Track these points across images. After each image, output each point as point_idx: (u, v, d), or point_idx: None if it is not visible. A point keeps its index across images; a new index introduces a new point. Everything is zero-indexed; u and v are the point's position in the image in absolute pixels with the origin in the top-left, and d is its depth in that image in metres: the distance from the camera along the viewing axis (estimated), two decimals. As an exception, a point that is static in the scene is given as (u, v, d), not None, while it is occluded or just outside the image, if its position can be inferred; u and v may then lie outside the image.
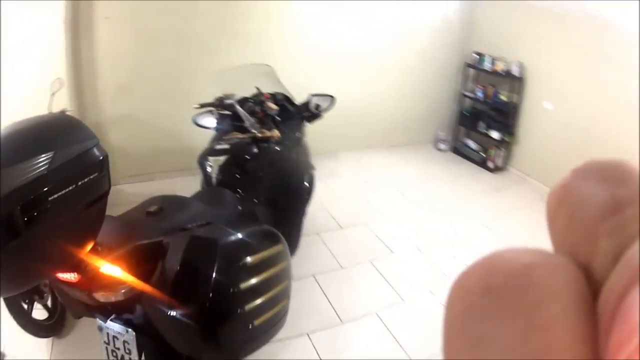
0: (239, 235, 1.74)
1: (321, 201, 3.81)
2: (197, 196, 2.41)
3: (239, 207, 2.36)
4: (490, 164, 4.77)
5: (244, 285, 1.63)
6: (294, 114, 3.01)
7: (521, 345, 0.16)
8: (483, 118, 4.84)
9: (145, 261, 1.61)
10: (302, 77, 4.20)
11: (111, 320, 1.65)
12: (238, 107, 2.57)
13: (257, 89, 2.97)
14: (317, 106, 3.05)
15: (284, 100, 3.03)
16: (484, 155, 4.86)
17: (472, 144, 5.04)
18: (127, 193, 4.26)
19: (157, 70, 4.13)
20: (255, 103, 2.81)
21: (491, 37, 4.85)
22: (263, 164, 2.62)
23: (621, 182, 0.18)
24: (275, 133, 2.55)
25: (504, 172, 4.83)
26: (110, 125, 4.27)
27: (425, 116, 5.16)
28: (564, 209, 0.19)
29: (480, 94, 4.83)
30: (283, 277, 1.85)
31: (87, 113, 4.18)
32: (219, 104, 2.66)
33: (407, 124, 5.12)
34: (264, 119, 2.70)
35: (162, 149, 4.41)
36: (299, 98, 3.16)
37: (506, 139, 4.66)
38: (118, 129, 4.29)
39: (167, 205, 1.93)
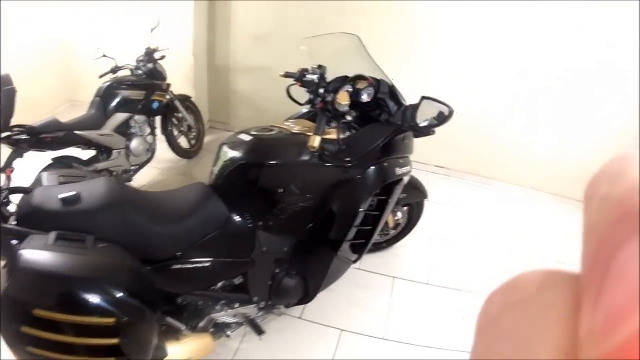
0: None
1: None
2: (168, 194, 1.89)
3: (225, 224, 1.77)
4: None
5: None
6: (386, 119, 2.16)
7: None
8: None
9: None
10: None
11: None
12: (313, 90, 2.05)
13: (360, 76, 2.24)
14: (429, 124, 2.08)
15: (385, 95, 2.16)
16: None
17: None
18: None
19: (296, 26, 3.76)
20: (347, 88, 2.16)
21: None
22: (285, 177, 1.85)
23: None
24: (315, 140, 1.73)
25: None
26: (239, 73, 4.13)
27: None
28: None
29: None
30: None
31: (216, 57, 4.09)
32: (299, 78, 2.14)
33: (583, 175, 3.85)
34: (334, 116, 2.01)
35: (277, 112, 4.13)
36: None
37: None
38: (246, 78, 4.15)
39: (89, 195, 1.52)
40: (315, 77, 2.08)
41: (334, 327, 2.31)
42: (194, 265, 1.69)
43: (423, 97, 2.10)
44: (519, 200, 3.87)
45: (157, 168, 3.70)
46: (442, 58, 3.65)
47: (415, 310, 2.51)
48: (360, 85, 2.14)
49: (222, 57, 4.09)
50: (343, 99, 1.94)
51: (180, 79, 3.87)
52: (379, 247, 2.79)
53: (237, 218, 1.77)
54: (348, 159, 1.93)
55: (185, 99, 3.66)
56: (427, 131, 2.09)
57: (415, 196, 2.62)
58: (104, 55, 3.17)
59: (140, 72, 3.19)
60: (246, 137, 1.84)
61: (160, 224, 1.62)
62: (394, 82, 2.26)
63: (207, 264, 1.72)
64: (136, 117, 3.14)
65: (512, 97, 3.69)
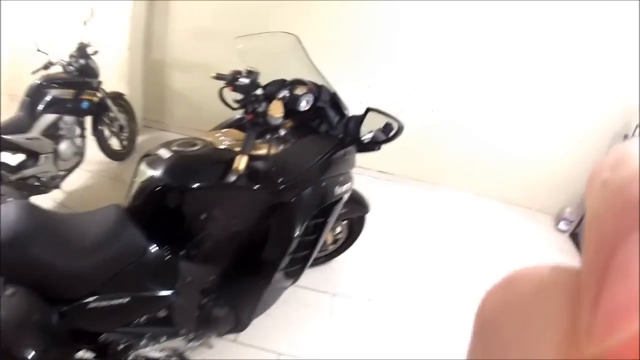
0: None
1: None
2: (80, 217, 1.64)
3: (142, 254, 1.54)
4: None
5: None
6: (326, 130, 1.98)
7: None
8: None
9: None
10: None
11: None
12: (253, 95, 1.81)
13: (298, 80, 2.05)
14: (374, 136, 1.90)
15: (326, 104, 1.98)
16: None
17: None
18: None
19: (238, 22, 3.52)
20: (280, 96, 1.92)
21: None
22: (208, 202, 1.63)
23: None
24: (240, 162, 1.53)
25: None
26: (176, 69, 3.87)
27: (559, 183, 3.84)
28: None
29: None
30: None
31: (153, 51, 3.81)
32: (231, 81, 1.91)
33: (535, 183, 3.87)
34: (266, 129, 1.78)
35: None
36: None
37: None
38: (182, 75, 3.88)
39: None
40: (247, 81, 1.87)
41: (271, 351, 2.15)
42: (112, 302, 1.48)
43: (369, 109, 1.94)
44: (465, 207, 3.82)
45: (88, 171, 3.42)
46: (390, 58, 3.52)
47: (357, 329, 2.37)
48: (299, 91, 1.94)
49: (160, 51, 3.83)
50: (276, 111, 1.70)
51: (114, 74, 3.61)
52: (317, 261, 2.61)
53: (156, 247, 1.55)
54: (280, 180, 1.69)
55: (117, 97, 3.39)
56: (371, 147, 1.89)
57: (356, 210, 2.43)
58: (38, 50, 2.90)
59: (72, 68, 2.92)
60: (166, 154, 1.60)
61: (70, 259, 1.41)
62: (337, 89, 2.08)
63: (127, 299, 1.52)
64: (65, 118, 2.87)
65: (459, 100, 3.63)
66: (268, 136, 1.79)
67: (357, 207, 2.41)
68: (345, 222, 2.52)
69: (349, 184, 2.03)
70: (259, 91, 1.83)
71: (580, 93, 3.47)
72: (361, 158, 2.11)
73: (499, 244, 3.43)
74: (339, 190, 1.93)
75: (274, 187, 1.69)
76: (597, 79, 3.39)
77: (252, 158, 1.60)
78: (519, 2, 3.19)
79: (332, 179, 1.90)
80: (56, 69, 2.93)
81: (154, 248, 1.54)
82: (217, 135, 1.84)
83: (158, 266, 1.58)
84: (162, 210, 1.56)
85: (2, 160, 2.59)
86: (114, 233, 1.52)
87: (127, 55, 3.61)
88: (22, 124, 2.65)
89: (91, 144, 3.28)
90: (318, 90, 1.95)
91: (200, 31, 3.65)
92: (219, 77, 2.00)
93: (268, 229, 1.74)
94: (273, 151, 1.73)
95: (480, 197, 3.92)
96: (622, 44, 3.25)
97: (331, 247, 2.63)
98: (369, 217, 2.54)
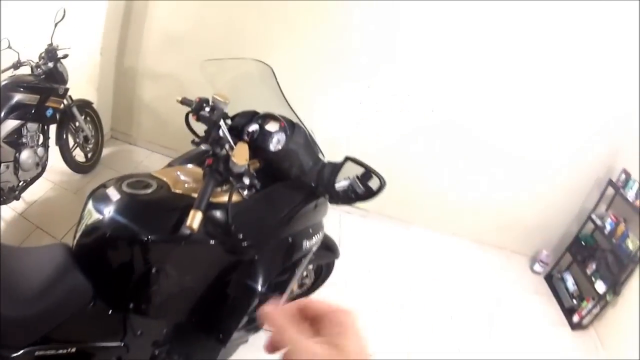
0: None
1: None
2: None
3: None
4: (575, 318, 3.40)
5: None
6: (297, 175, 1.77)
7: None
8: (597, 258, 3.46)
9: None
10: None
11: None
12: (220, 127, 1.62)
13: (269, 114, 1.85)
14: (350, 186, 1.72)
15: (300, 147, 1.78)
16: (575, 304, 3.50)
17: (570, 282, 3.67)
18: (135, 161, 3.73)
19: (213, 32, 3.43)
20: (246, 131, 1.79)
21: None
22: (159, 256, 1.42)
23: None
24: (194, 219, 1.27)
25: (585, 332, 3.39)
26: (147, 78, 3.72)
27: (535, 224, 3.79)
28: None
29: (608, 226, 3.42)
30: None
31: (125, 58, 3.66)
32: (195, 110, 1.72)
33: (510, 224, 3.82)
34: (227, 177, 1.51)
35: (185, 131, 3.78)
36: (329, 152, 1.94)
37: (608, 297, 3.26)
38: (153, 86, 3.73)
39: None
40: (209, 115, 1.68)
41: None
42: (57, 352, 1.37)
43: (347, 158, 1.72)
44: (439, 246, 3.77)
45: (51, 181, 3.28)
46: (390, 58, 3.36)
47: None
48: (271, 127, 1.78)
49: (132, 58, 3.67)
50: (240, 157, 1.44)
51: (83, 80, 3.45)
52: None
53: (103, 297, 1.41)
54: (241, 235, 1.49)
55: (84, 105, 3.26)
56: (346, 200, 1.71)
57: (325, 257, 2.27)
58: (9, 47, 2.73)
59: (40, 71, 2.76)
60: (114, 195, 1.42)
61: (10, 308, 1.27)
62: (312, 128, 1.92)
63: (72, 350, 1.40)
64: (28, 125, 2.71)
65: (434, 137, 3.53)
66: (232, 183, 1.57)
67: (327, 254, 2.25)
68: (311, 266, 2.39)
69: (319, 235, 1.88)
70: (222, 124, 1.64)
71: (563, 135, 3.42)
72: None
73: (473, 284, 3.42)
74: (307, 244, 1.77)
75: (234, 243, 1.50)
76: (581, 120, 3.35)
77: (211, 206, 1.43)
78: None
79: (301, 233, 1.74)
80: (25, 70, 2.77)
81: (101, 296, 1.41)
82: (175, 174, 1.62)
83: (106, 317, 1.45)
84: (108, 259, 1.42)
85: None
86: (59, 278, 1.37)
87: (99, 59, 3.45)
88: None
89: (56, 153, 3.14)
90: (291, 129, 1.77)
91: (173, 38, 3.51)
92: (184, 102, 1.83)
93: (227, 285, 1.59)
94: (235, 198, 1.52)
95: (455, 236, 3.87)
96: (606, 86, 3.21)
97: (296, 291, 2.51)
98: (340, 254, 2.42)
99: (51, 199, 3.14)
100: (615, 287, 3.24)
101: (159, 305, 1.50)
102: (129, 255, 1.40)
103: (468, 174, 3.60)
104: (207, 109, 1.71)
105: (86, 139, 3.33)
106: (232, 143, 1.59)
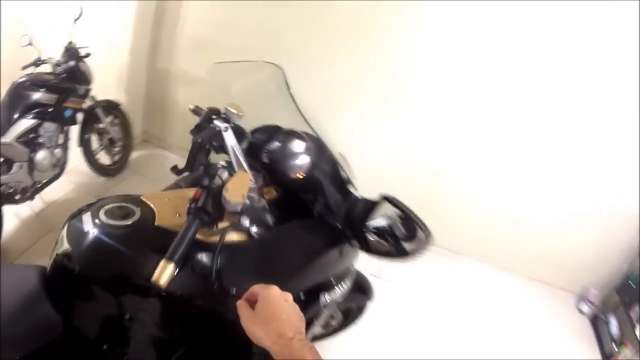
0: None
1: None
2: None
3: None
4: (613, 363, 2.96)
5: None
6: (321, 212, 1.45)
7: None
8: (644, 301, 3.01)
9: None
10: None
11: None
12: (228, 142, 1.37)
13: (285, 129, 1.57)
14: (389, 229, 1.36)
15: (325, 177, 1.45)
16: (616, 350, 3.04)
17: (614, 325, 3.19)
18: (164, 166, 3.60)
19: (246, 37, 3.22)
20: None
21: None
22: (133, 303, 1.17)
23: None
24: (161, 275, 1.03)
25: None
26: (180, 80, 3.59)
27: (584, 261, 3.33)
28: None
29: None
30: None
31: (158, 59, 3.55)
32: (206, 121, 1.47)
33: (560, 259, 3.35)
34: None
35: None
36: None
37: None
38: (187, 88, 3.60)
39: None
40: (222, 127, 1.41)
41: None
42: None
43: (384, 198, 1.36)
44: (484, 278, 3.37)
45: (73, 183, 3.20)
46: (417, 100, 3.06)
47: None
48: (295, 146, 1.46)
49: (165, 59, 3.55)
50: (235, 193, 1.13)
51: (112, 80, 3.36)
52: None
53: (73, 332, 1.19)
54: (233, 292, 1.13)
55: (111, 107, 3.15)
56: (380, 253, 1.34)
57: (356, 300, 1.91)
58: (30, 44, 2.65)
59: (61, 69, 2.65)
60: (87, 224, 1.17)
61: None
62: (343, 152, 1.59)
63: None
64: (46, 124, 2.61)
65: (489, 162, 3.13)
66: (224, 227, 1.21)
67: (358, 296, 1.87)
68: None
69: (345, 284, 1.52)
70: (229, 139, 1.39)
71: (616, 168, 2.95)
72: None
73: (516, 320, 3.03)
74: (327, 298, 1.42)
75: (221, 300, 1.14)
76: (633, 151, 2.88)
77: (199, 247, 1.14)
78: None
79: (318, 286, 1.40)
80: (45, 69, 2.68)
81: (72, 333, 1.19)
82: (167, 198, 1.32)
83: (73, 353, 1.25)
84: (77, 296, 1.19)
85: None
86: (26, 306, 1.17)
87: (129, 59, 3.36)
88: None
89: (80, 154, 3.08)
90: (318, 152, 1.43)
91: (210, 43, 3.35)
92: (196, 111, 1.59)
93: (219, 340, 1.27)
94: (236, 238, 1.20)
95: (501, 269, 3.46)
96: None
97: (319, 331, 2.15)
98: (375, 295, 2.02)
99: (70, 201, 3.06)
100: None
101: (136, 352, 1.25)
102: (98, 298, 1.17)
103: (519, 205, 3.19)
104: (216, 122, 1.44)
105: (112, 141, 3.23)
106: (229, 171, 1.29)
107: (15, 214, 2.81)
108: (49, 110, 2.59)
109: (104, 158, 3.29)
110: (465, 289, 3.19)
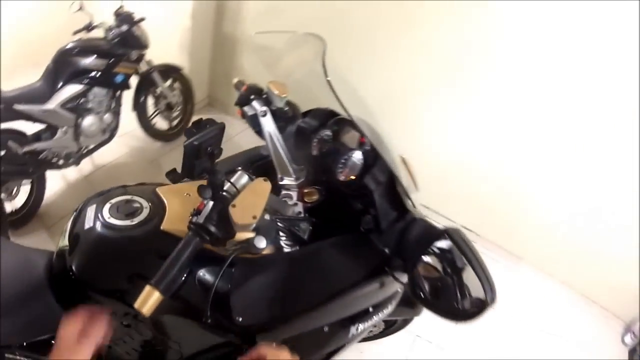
0: None
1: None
2: None
3: None
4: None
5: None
6: (367, 230, 1.14)
7: None
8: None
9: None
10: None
11: None
12: (266, 127, 1.21)
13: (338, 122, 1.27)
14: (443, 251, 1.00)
15: (378, 186, 1.12)
16: None
17: None
18: (227, 134, 3.43)
19: (318, 8, 2.90)
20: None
21: None
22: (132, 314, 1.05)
23: None
24: (146, 301, 0.82)
25: None
26: (246, 47, 3.37)
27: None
28: None
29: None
30: None
31: (224, 23, 3.35)
32: (242, 102, 1.31)
33: (618, 284, 2.83)
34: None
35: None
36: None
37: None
38: (253, 55, 3.37)
39: None
40: (259, 111, 1.23)
41: None
42: None
43: (447, 232, 0.99)
44: (543, 291, 2.93)
45: (127, 146, 3.13)
46: (490, 96, 2.62)
47: None
48: (348, 139, 1.21)
49: (231, 24, 3.33)
50: (243, 216, 0.89)
51: (174, 45, 3.22)
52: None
53: None
54: (240, 320, 0.93)
55: (170, 71, 3.01)
56: (428, 303, 1.00)
57: (402, 313, 1.62)
58: (80, 9, 2.57)
59: (112, 34, 2.55)
60: (89, 220, 1.03)
61: None
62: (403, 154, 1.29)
63: None
64: (96, 90, 2.54)
65: (561, 164, 2.64)
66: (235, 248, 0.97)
67: (405, 310, 1.55)
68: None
69: (385, 311, 1.26)
70: (268, 123, 1.21)
71: None
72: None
73: (557, 336, 2.70)
74: (360, 328, 1.19)
75: (230, 327, 0.95)
76: None
77: (204, 261, 0.96)
78: None
79: (349, 319, 1.16)
80: (97, 34, 2.60)
81: None
82: (187, 193, 1.12)
83: None
84: (76, 295, 1.04)
85: (17, 129, 2.33)
86: (31, 294, 1.08)
87: (192, 23, 3.18)
88: (40, 93, 2.36)
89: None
90: (372, 153, 1.15)
91: (278, 11, 3.05)
92: (237, 86, 1.41)
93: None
94: (249, 254, 0.95)
95: (559, 281, 2.99)
96: None
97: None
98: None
99: (122, 165, 3.00)
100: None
101: (137, 356, 1.17)
102: (94, 301, 1.02)
103: (596, 221, 2.68)
104: (254, 104, 1.26)
105: (169, 105, 3.10)
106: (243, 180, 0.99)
107: (63, 177, 2.78)
108: (98, 75, 2.50)
109: (161, 123, 3.18)
110: (519, 295, 2.83)
